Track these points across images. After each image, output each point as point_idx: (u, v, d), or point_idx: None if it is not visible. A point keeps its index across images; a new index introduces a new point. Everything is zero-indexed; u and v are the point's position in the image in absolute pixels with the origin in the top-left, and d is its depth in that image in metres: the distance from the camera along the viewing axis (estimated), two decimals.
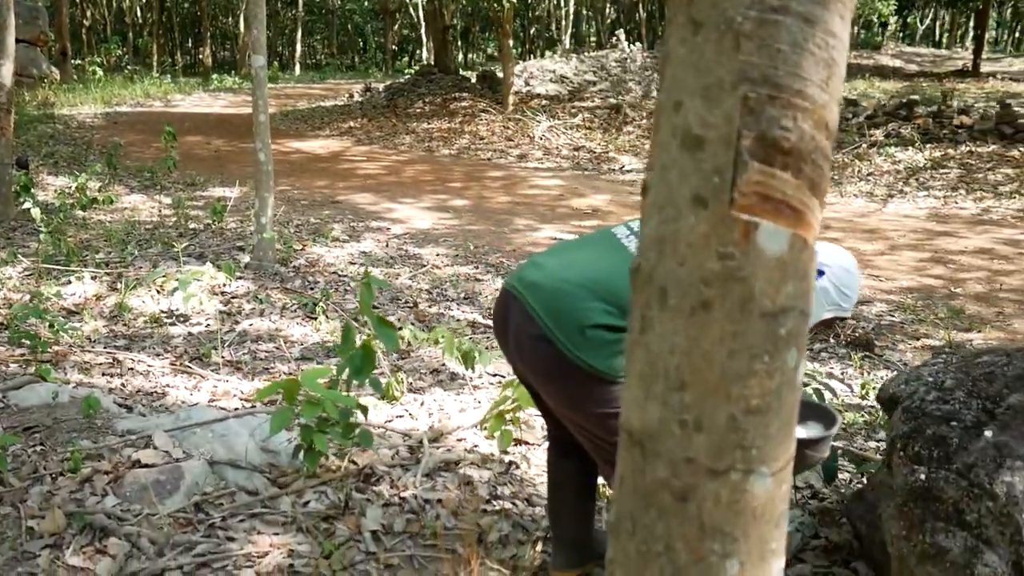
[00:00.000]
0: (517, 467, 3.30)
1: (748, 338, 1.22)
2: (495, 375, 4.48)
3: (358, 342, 2.65)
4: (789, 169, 1.18)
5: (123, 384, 4.04)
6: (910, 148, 12.76)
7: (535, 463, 3.35)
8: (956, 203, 10.64)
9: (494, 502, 2.98)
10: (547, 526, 2.83)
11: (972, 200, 10.66)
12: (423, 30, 37.39)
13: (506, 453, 3.29)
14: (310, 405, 2.56)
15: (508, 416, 3.24)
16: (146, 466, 2.81)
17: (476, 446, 3.49)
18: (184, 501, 2.68)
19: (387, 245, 7.70)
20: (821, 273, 2.23)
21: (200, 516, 2.65)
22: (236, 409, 3.74)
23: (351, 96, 22.16)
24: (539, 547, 2.67)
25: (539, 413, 3.57)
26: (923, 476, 1.94)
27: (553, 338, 2.07)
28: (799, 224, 1.22)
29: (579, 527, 2.50)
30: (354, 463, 2.99)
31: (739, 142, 1.17)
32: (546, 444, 3.48)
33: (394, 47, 42.77)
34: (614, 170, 13.39)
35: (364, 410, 2.70)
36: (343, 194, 10.55)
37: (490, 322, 5.53)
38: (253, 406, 3.73)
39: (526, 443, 3.39)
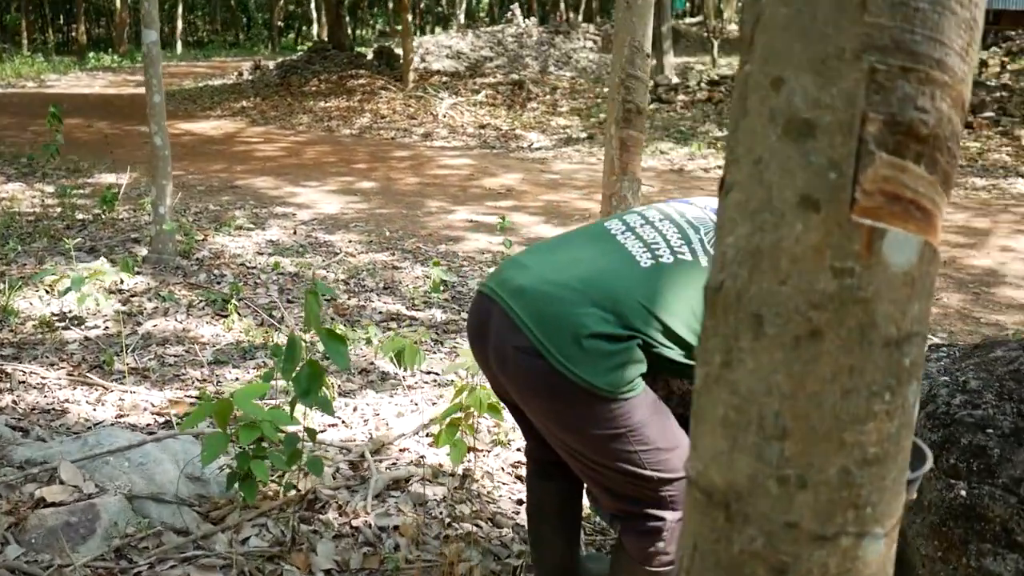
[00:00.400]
0: (473, 480, 3.04)
1: (867, 373, 0.99)
2: (429, 373, 4.20)
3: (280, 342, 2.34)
4: (923, 160, 0.95)
5: (14, 401, 3.61)
6: None
7: (490, 474, 3.10)
8: None
9: (456, 525, 2.71)
10: (520, 551, 2.58)
11: None
12: (312, 5, 36.36)
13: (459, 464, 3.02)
14: (247, 429, 2.24)
15: (461, 426, 2.98)
16: (53, 505, 2.44)
17: (423, 457, 3.21)
18: (102, 546, 2.33)
19: (295, 232, 7.29)
20: None
21: (123, 564, 2.31)
22: (149, 426, 3.37)
23: (240, 74, 21.31)
24: None
25: (497, 422, 3.33)
26: (963, 492, 1.77)
27: (544, 351, 1.82)
28: (929, 229, 0.98)
29: (564, 555, 2.26)
30: (295, 488, 2.68)
31: (863, 127, 0.94)
32: (500, 452, 3.23)
33: (280, 23, 41.52)
34: (522, 148, 13.17)
35: (312, 434, 2.39)
36: (242, 178, 10.03)
37: (414, 314, 5.24)
38: (168, 422, 3.37)
39: (476, 450, 3.13)
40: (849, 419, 0.99)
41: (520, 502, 2.97)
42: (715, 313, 1.04)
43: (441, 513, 2.76)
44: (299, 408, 3.17)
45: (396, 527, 2.64)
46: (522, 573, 2.47)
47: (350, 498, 2.79)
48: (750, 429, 1.02)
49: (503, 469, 3.21)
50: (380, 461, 3.12)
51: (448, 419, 2.91)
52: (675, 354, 1.86)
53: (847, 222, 0.94)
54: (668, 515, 1.88)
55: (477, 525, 2.72)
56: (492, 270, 2.15)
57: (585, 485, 2.10)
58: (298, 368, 2.25)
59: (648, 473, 1.84)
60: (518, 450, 3.37)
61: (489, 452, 3.25)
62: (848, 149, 0.93)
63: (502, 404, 3.49)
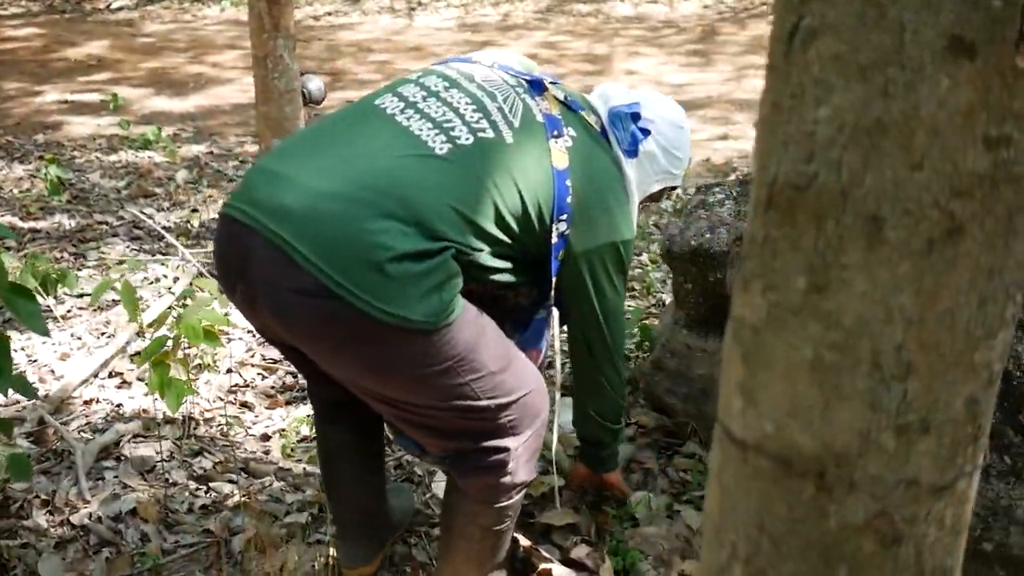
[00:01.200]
0: (197, 424, 2.56)
1: (1007, 272, 0.77)
2: (81, 296, 3.51)
3: None
4: None
5: None
6: None
7: (213, 411, 2.63)
8: (477, 11, 10.79)
9: (205, 488, 2.25)
10: (300, 502, 2.20)
11: (491, 6, 10.87)
12: None
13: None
14: None
15: (171, 361, 2.45)
16: None
17: (119, 407, 2.65)
18: None
19: None
20: (646, 133, 1.79)
21: None
22: None
23: None
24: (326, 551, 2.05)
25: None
26: None
27: (337, 288, 1.42)
28: None
29: (369, 500, 1.93)
30: None
31: None
32: (211, 379, 2.75)
33: None
34: (100, 10, 11.57)
35: (7, 428, 1.79)
36: None
37: (35, 224, 4.36)
38: None
39: (192, 389, 2.63)
40: (983, 334, 0.78)
41: (266, 437, 2.56)
42: (792, 220, 0.76)
43: (180, 477, 2.28)
44: None
45: (133, 511, 2.13)
46: (314, 529, 2.10)
47: (54, 486, 2.21)
48: (859, 371, 0.77)
49: (222, 399, 2.75)
50: (67, 423, 2.52)
51: (153, 355, 2.38)
52: (488, 258, 1.55)
53: (1011, 71, 0.69)
54: (511, 442, 1.62)
55: (231, 482, 2.28)
56: (238, 185, 1.65)
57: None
58: None
59: (484, 403, 1.55)
60: (230, 371, 2.92)
61: (196, 381, 2.75)
62: None
63: (225, 328, 3.02)
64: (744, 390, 0.83)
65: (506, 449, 1.60)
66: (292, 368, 2.90)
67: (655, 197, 1.92)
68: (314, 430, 2.25)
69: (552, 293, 1.73)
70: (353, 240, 1.43)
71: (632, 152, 1.80)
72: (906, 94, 0.68)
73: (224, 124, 6.57)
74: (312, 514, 2.14)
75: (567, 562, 1.87)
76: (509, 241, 1.59)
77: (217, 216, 1.62)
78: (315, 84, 5.64)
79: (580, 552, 1.92)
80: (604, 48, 8.84)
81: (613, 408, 1.91)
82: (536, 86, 1.74)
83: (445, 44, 9.00)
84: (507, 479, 1.62)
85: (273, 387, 2.90)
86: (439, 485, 2.22)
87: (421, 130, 1.58)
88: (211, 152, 5.80)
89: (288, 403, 2.79)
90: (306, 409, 2.73)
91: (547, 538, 2.00)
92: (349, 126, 1.63)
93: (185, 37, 9.68)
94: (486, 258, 1.56)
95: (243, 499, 2.20)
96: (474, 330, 1.53)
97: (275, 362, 3.03)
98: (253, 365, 3.02)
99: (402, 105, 1.64)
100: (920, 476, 0.79)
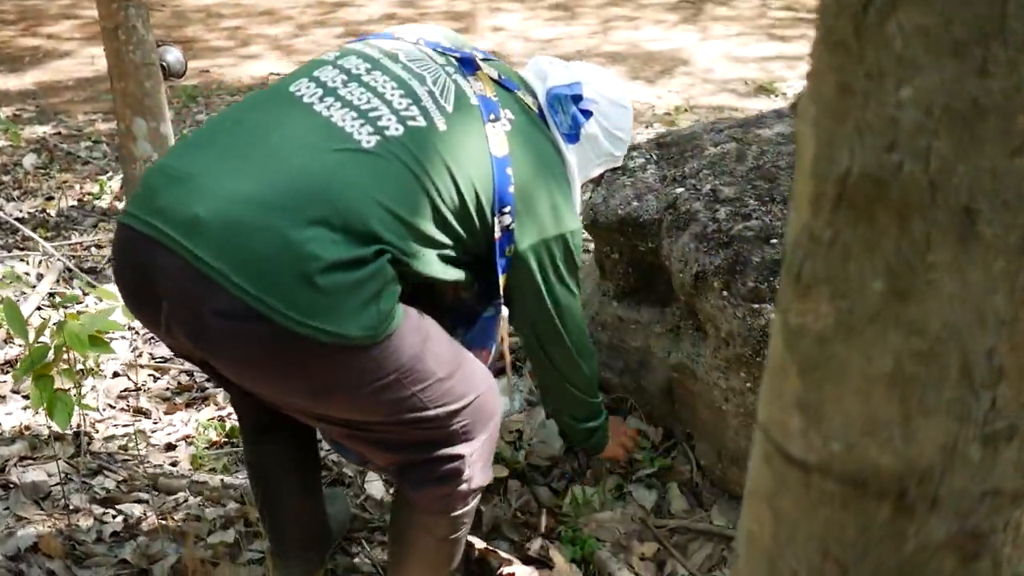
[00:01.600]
0: (91, 438, 2.35)
1: None
2: None
3: None
4: None
5: None
6: None
7: (115, 415, 2.42)
8: None
9: (107, 511, 2.06)
10: (223, 518, 2.04)
11: None
12: None
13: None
14: None
15: (56, 373, 2.23)
16: None
17: None
18: None
19: None
20: (587, 115, 1.68)
21: None
22: None
23: None
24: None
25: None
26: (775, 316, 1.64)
27: (263, 309, 1.27)
28: None
29: (312, 518, 1.79)
30: None
31: None
32: (96, 384, 2.54)
33: None
34: None
35: None
36: None
37: None
38: None
39: (85, 405, 2.41)
40: None
41: (171, 446, 2.37)
42: (870, 218, 0.68)
43: (82, 502, 2.08)
44: None
45: (34, 547, 1.93)
46: (244, 547, 1.95)
47: None
48: (945, 381, 0.70)
49: (113, 407, 2.54)
50: None
51: (34, 367, 2.16)
52: (428, 259, 1.44)
53: None
54: (465, 448, 1.51)
55: (141, 502, 2.10)
56: (137, 187, 1.45)
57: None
58: None
59: (433, 412, 1.44)
60: (117, 375, 2.70)
61: (80, 387, 2.53)
62: None
63: (117, 334, 2.77)
64: (805, 407, 0.75)
65: (460, 456, 1.50)
66: (187, 366, 2.70)
67: (595, 180, 1.83)
68: (241, 445, 2.08)
69: (501, 291, 1.62)
70: (279, 253, 1.28)
71: (573, 137, 1.69)
72: (1008, 72, 0.60)
73: (70, 101, 6.12)
74: (240, 531, 1.99)
75: (526, 560, 1.79)
76: (450, 241, 1.47)
77: (115, 225, 1.44)
78: (174, 55, 5.30)
79: (535, 546, 1.84)
80: (466, 4, 8.65)
81: (587, 410, 1.86)
82: (467, 64, 1.61)
83: (299, 6, 8.64)
84: (463, 487, 1.51)
85: (168, 389, 2.70)
86: (373, 485, 2.10)
87: (344, 121, 1.43)
88: (59, 133, 5.39)
89: (188, 405, 2.60)
90: (210, 411, 2.55)
91: (498, 533, 1.91)
92: (262, 118, 1.46)
93: (13, 7, 8.98)
94: (426, 259, 1.43)
95: (159, 520, 2.02)
96: (417, 336, 1.40)
97: (165, 360, 2.83)
98: (142, 366, 2.80)
99: (320, 92, 1.48)
100: (1003, 485, 0.73)
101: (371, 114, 1.44)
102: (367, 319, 1.30)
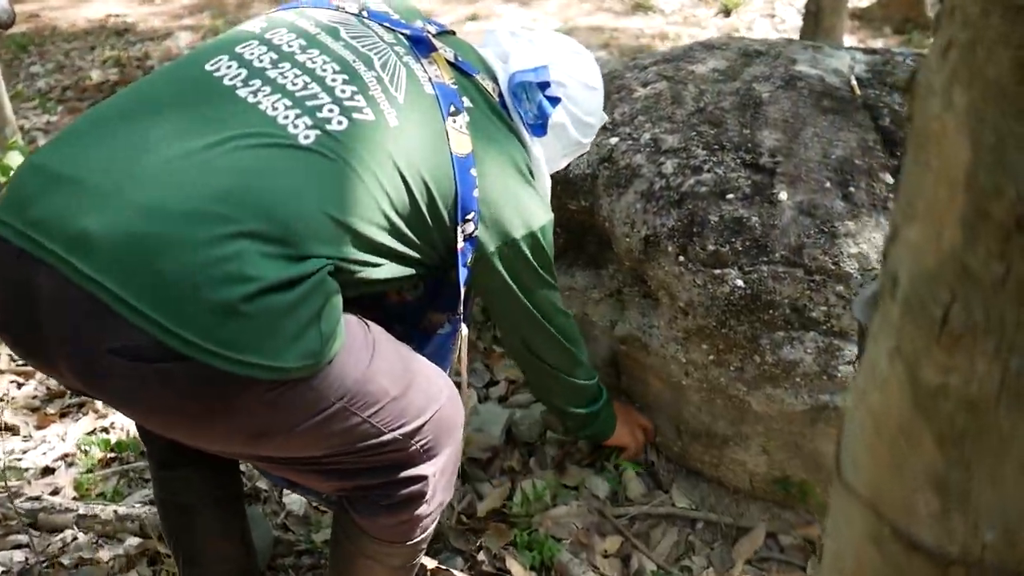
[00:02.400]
0: None
1: None
2: None
3: None
4: None
5: None
6: None
7: None
8: None
9: None
10: (113, 558, 1.77)
11: None
12: None
13: None
14: None
15: None
16: None
17: None
18: None
19: None
20: (555, 101, 1.44)
21: None
22: None
23: None
24: None
25: None
26: (740, 281, 1.47)
27: (181, 346, 1.03)
28: None
29: (237, 553, 1.55)
30: None
31: None
32: None
33: None
34: None
35: None
36: None
37: None
38: None
39: None
40: None
41: (49, 470, 2.08)
42: None
43: None
44: None
45: None
46: None
47: None
48: None
49: None
50: None
51: None
52: (377, 271, 1.23)
53: None
54: (428, 468, 1.31)
55: (21, 546, 1.81)
56: (6, 193, 1.15)
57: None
58: None
59: (389, 436, 1.23)
60: None
61: None
62: None
63: None
64: (944, 485, 0.58)
65: (423, 478, 1.30)
66: None
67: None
68: (135, 463, 1.81)
69: (460, 307, 1.41)
70: (194, 274, 1.03)
71: (539, 128, 1.46)
72: None
73: None
74: (140, 573, 1.74)
75: (482, 575, 1.61)
76: (403, 250, 1.25)
77: None
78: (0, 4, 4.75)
79: (489, 555, 1.66)
80: None
81: (588, 395, 1.70)
82: (420, 44, 1.36)
83: None
84: (423, 509, 1.31)
85: (37, 396, 2.39)
86: (292, 498, 1.88)
87: (277, 110, 1.18)
88: None
89: (63, 415, 2.30)
90: (90, 421, 2.26)
91: (444, 543, 1.72)
92: (171, 104, 1.18)
93: None
94: (374, 272, 1.21)
95: (43, 568, 1.75)
96: (364, 355, 1.19)
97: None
98: (1, 371, 2.48)
99: (244, 72, 1.21)
100: None
101: (309, 103, 1.20)
102: (307, 346, 1.08)
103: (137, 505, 1.92)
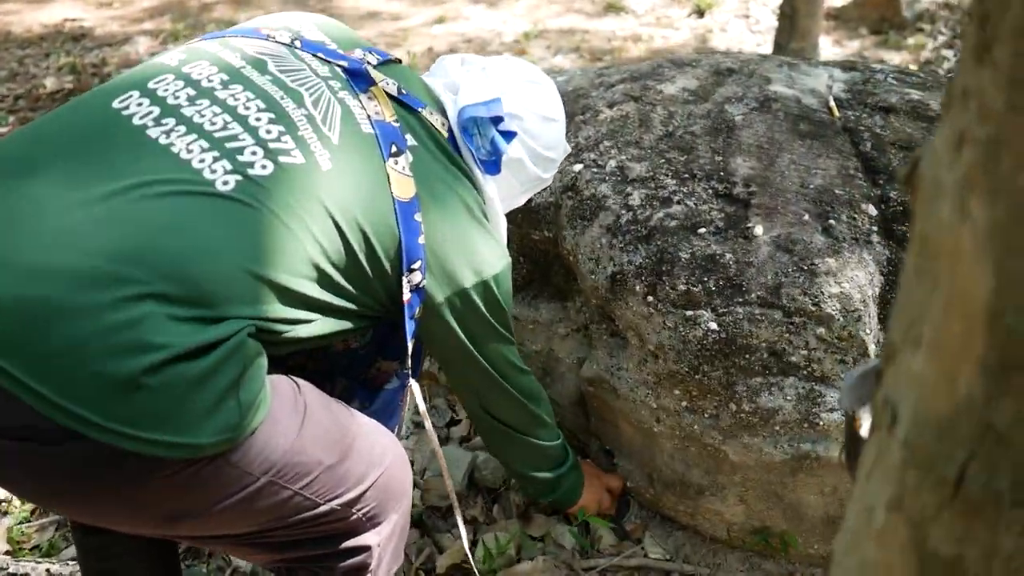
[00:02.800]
0: None
1: None
2: None
3: None
4: None
5: None
6: None
7: None
8: None
9: None
10: None
11: None
12: None
13: None
14: None
15: None
16: None
17: None
18: None
19: None
20: (510, 136, 1.32)
21: None
22: None
23: None
24: None
25: None
26: (714, 324, 1.36)
27: (75, 425, 0.91)
28: None
29: None
30: None
31: None
32: None
33: None
34: None
35: None
36: None
37: None
38: None
39: None
40: None
41: None
42: None
43: None
44: None
45: None
46: None
47: None
48: None
49: None
50: None
51: None
52: (308, 329, 1.11)
53: None
54: (372, 537, 1.20)
55: None
56: None
57: None
58: None
59: (326, 507, 1.12)
60: None
61: None
62: None
63: None
64: None
65: (367, 548, 1.19)
66: None
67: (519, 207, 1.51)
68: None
69: (409, 361, 1.30)
70: (88, 343, 0.91)
71: (493, 166, 1.34)
72: None
73: None
74: None
75: None
76: (340, 303, 1.14)
77: None
78: None
79: None
80: None
81: (552, 457, 1.57)
82: (358, 78, 1.25)
83: None
84: None
85: None
86: None
87: (192, 152, 1.06)
88: None
89: None
90: None
91: None
92: (71, 147, 1.06)
93: None
94: (305, 329, 1.10)
95: None
96: (293, 422, 1.07)
97: None
98: None
99: (156, 111, 1.09)
100: None
101: (228, 144, 1.09)
102: (224, 419, 0.96)
103: (71, 562, 1.79)
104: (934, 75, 1.90)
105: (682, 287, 1.44)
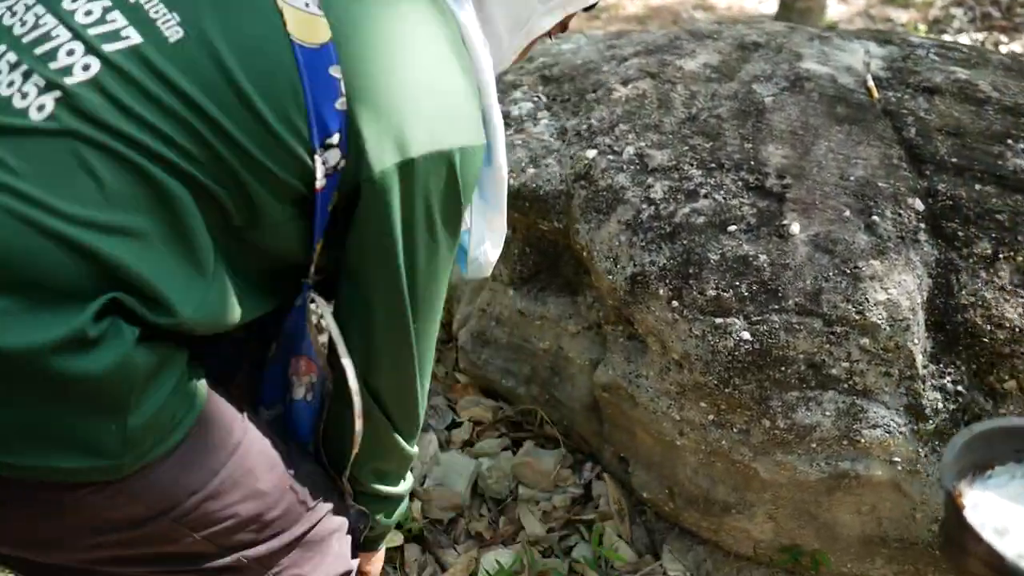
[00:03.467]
0: None
1: None
2: None
3: None
4: None
5: None
6: None
7: None
8: None
9: None
10: None
11: None
12: None
13: None
14: None
15: None
16: None
17: None
18: None
19: None
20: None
21: None
22: None
23: None
24: None
25: None
26: (747, 334, 1.22)
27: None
28: None
29: None
30: None
31: None
32: None
33: None
34: None
35: None
36: None
37: None
38: None
39: None
40: None
41: None
42: None
43: None
44: None
45: None
46: None
47: None
48: None
49: None
50: None
51: None
52: (207, 302, 0.87)
53: None
54: None
55: None
56: None
57: None
58: None
59: (229, 560, 0.98)
60: None
61: None
62: None
63: None
64: None
65: None
66: None
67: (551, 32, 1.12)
68: None
69: (312, 269, 1.01)
70: None
71: None
72: None
73: None
74: None
75: None
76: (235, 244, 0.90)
77: None
78: None
79: None
80: None
81: (403, 467, 1.21)
82: None
83: None
84: None
85: None
86: None
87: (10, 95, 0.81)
88: None
89: None
90: None
91: None
92: None
93: None
94: (203, 297, 0.87)
95: None
96: (220, 445, 0.92)
97: None
98: None
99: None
100: None
101: (39, 49, 0.83)
102: (110, 442, 0.81)
103: None
104: (978, 51, 1.76)
105: (711, 292, 1.31)
